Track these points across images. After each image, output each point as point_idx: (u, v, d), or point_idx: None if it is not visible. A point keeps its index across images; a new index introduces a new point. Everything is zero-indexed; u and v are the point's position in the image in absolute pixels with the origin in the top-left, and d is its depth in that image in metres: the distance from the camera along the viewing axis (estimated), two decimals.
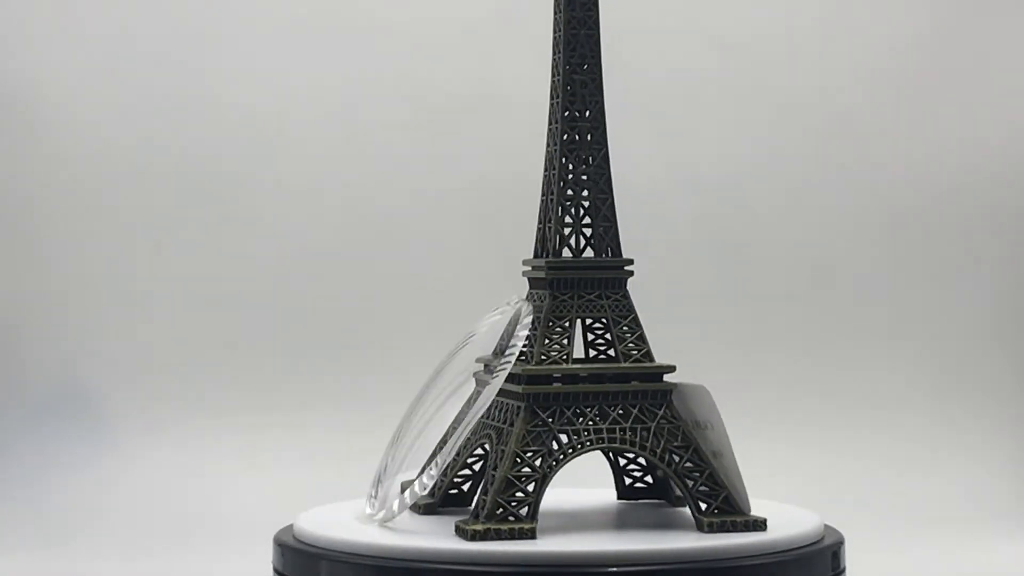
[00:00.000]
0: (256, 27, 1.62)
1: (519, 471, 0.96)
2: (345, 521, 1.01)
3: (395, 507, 1.01)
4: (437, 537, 0.96)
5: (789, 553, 0.95)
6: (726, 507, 0.98)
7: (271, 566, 1.02)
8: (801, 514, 1.04)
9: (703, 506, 0.98)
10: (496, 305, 1.07)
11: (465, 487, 1.07)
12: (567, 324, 1.02)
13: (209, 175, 1.60)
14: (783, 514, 1.04)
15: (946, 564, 1.43)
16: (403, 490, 1.02)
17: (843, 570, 1.00)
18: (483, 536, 0.94)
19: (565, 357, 1.00)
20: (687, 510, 1.00)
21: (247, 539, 1.30)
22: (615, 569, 0.91)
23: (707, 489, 0.98)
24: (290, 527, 1.03)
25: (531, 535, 0.94)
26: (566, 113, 1.03)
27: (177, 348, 1.58)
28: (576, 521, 1.03)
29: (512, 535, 0.94)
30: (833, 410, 1.59)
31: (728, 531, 0.96)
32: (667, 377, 1.01)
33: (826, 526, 1.02)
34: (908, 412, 1.60)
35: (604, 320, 1.03)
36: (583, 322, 1.04)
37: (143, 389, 1.57)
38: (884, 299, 1.63)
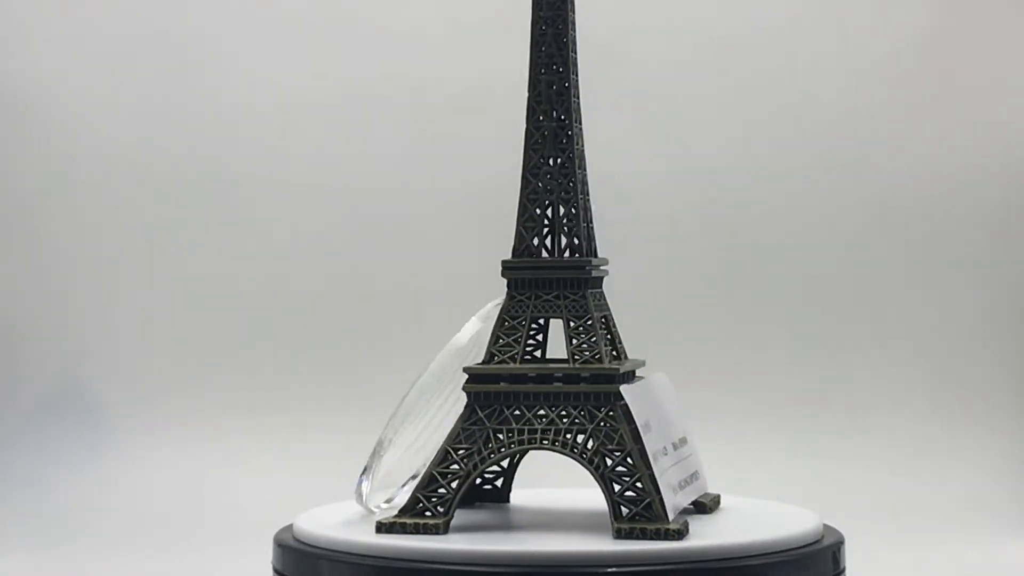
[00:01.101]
0: (256, 27, 1.62)
1: (446, 467, 0.96)
2: (345, 521, 1.01)
3: (367, 501, 1.02)
4: (440, 537, 0.95)
5: (789, 553, 0.95)
6: (646, 514, 0.94)
7: (271, 566, 1.02)
8: (801, 514, 1.04)
9: (624, 511, 0.94)
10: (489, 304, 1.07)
11: (498, 482, 1.08)
12: (521, 324, 1.01)
13: (209, 175, 1.60)
14: (783, 514, 1.04)
15: (946, 564, 1.42)
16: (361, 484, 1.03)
17: (843, 570, 1.00)
18: (388, 529, 0.94)
19: (515, 356, 1.00)
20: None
21: (247, 539, 1.30)
22: (500, 569, 0.90)
23: (632, 495, 0.95)
24: (290, 527, 1.03)
25: (437, 531, 0.94)
26: (533, 113, 1.02)
27: (177, 348, 1.58)
28: (530, 520, 1.02)
29: (417, 530, 0.94)
30: (833, 411, 1.59)
31: (638, 538, 0.93)
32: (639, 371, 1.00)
33: (826, 526, 1.02)
34: (908, 412, 1.59)
35: (562, 321, 1.01)
36: (567, 324, 1.03)
37: (143, 389, 1.57)
38: (884, 299, 1.62)
